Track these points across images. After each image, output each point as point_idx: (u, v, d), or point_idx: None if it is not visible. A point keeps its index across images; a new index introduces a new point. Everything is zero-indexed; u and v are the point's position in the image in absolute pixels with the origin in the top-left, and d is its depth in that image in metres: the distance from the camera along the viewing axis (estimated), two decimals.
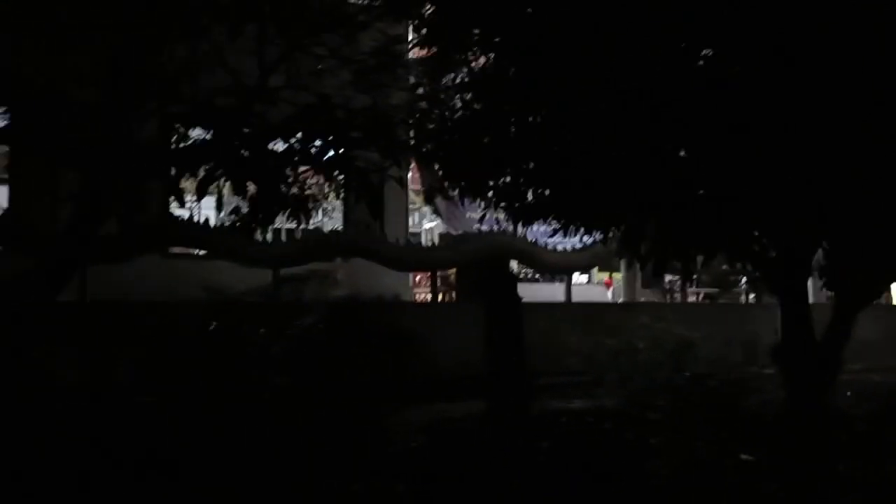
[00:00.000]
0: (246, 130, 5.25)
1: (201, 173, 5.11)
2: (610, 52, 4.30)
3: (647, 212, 4.36)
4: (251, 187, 5.54)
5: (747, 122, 4.01)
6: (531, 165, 5.46)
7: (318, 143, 5.41)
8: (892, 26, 3.81)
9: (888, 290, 6.71)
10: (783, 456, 6.22)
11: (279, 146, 5.70)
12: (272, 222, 6.30)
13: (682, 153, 4.43)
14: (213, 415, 5.99)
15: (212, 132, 5.42)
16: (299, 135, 5.37)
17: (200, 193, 5.01)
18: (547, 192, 5.39)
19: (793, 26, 3.81)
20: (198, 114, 5.41)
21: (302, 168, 6.14)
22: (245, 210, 6.60)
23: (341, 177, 6.33)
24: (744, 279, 11.30)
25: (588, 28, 4.43)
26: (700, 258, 4.85)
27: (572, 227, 5.47)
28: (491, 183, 6.29)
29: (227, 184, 5.17)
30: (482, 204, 6.85)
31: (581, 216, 5.23)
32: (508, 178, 5.98)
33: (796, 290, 5.92)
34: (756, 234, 5.03)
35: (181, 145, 5.40)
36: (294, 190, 6.96)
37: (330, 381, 6.82)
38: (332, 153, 5.24)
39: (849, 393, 9.05)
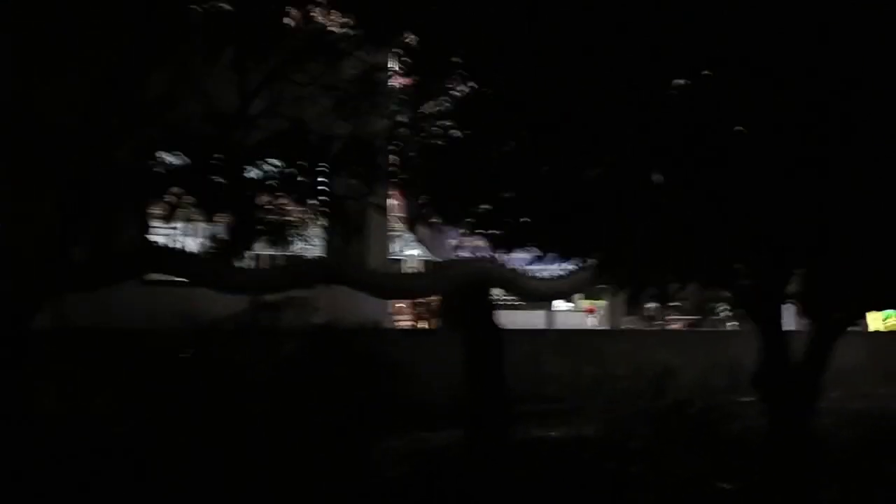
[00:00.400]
0: (216, 156, 5.23)
1: (170, 198, 5.09)
2: (588, 81, 4.35)
3: (622, 239, 4.37)
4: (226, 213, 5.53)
5: (723, 153, 4.05)
6: (509, 194, 5.47)
7: (292, 168, 5.40)
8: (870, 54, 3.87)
9: (864, 318, 6.76)
10: (764, 484, 6.20)
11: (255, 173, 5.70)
12: (249, 249, 6.26)
13: (657, 182, 4.46)
14: (189, 441, 5.87)
15: (184, 158, 5.41)
16: (273, 160, 5.37)
17: (168, 217, 4.99)
18: (524, 219, 5.40)
19: (769, 54, 3.88)
20: (172, 139, 5.39)
21: (280, 194, 6.13)
22: (223, 237, 6.58)
23: (316, 203, 6.32)
24: (724, 307, 11.34)
25: (567, 58, 4.48)
26: (675, 285, 4.87)
27: (550, 255, 5.48)
28: (471, 210, 6.30)
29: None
30: (462, 231, 6.87)
31: (558, 244, 5.24)
32: (488, 206, 6.00)
33: (772, 318, 5.95)
34: (730, 261, 5.06)
35: (152, 171, 5.38)
36: (273, 217, 6.95)
37: (309, 408, 6.73)
38: (305, 179, 5.23)
39: (828, 420, 9.07)
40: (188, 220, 7.17)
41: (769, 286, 5.49)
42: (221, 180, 5.21)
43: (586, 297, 17.24)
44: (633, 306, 12.64)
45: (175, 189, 5.45)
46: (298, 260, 9.80)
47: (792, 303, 6.08)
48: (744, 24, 3.71)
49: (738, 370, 8.04)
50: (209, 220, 5.24)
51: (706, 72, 3.84)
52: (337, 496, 5.95)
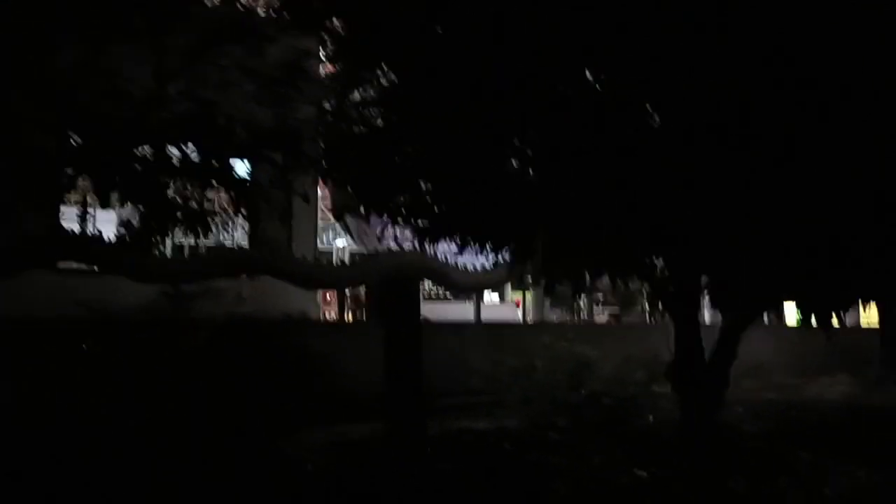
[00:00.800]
0: (124, 138, 4.99)
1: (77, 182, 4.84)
2: (503, 76, 4.35)
3: (534, 229, 4.39)
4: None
5: (633, 146, 4.10)
6: (428, 185, 5.44)
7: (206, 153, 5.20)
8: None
9: (775, 311, 6.97)
10: (677, 473, 6.36)
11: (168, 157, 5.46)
12: (165, 235, 6.02)
13: (569, 174, 4.50)
14: (92, 437, 5.62)
15: (91, 139, 5.15)
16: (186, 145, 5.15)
17: (57, 199, 4.73)
18: (442, 210, 5.38)
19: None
20: (79, 120, 5.12)
21: (196, 180, 5.92)
22: (136, 224, 6.33)
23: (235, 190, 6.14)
24: (645, 299, 11.61)
25: (485, 55, 4.48)
26: (587, 278, 4.93)
27: (469, 246, 5.48)
28: (393, 200, 6.25)
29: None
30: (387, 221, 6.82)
31: (474, 233, 5.24)
32: (407, 196, 5.96)
33: (687, 310, 6.10)
34: (642, 254, 5.15)
35: (58, 152, 5.10)
36: (191, 204, 6.73)
37: (224, 401, 6.56)
38: (221, 164, 5.04)
39: (741, 410, 9.41)
40: (101, 205, 6.86)
41: (682, 278, 5.62)
42: (132, 164, 4.98)
43: (516, 290, 17.46)
44: (554, 298, 12.83)
45: (82, 172, 5.18)
46: (220, 249, 9.54)
47: (705, 295, 6.23)
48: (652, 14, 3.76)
49: (656, 362, 8.21)
50: (100, 203, 4.99)
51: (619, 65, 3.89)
52: (250, 490, 5.82)
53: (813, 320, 5.29)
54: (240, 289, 9.64)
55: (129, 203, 5.54)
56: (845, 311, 5.74)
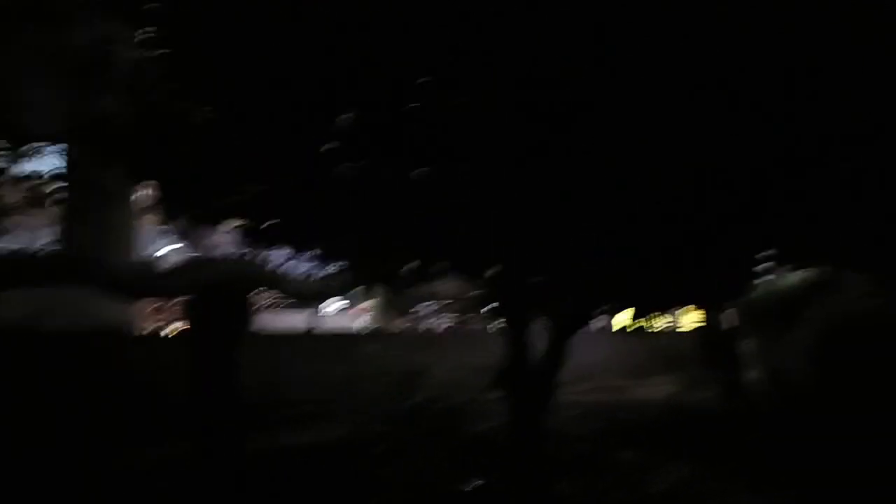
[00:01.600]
0: None
1: None
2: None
3: (341, 229, 4.13)
4: None
5: (440, 144, 3.92)
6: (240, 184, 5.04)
7: None
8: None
9: (601, 315, 7.12)
10: (505, 480, 6.30)
11: None
12: None
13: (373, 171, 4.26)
14: None
15: None
16: None
17: None
18: (253, 209, 4.99)
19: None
20: None
21: None
22: None
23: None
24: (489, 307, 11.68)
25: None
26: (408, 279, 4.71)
27: (290, 248, 5.13)
28: (208, 203, 5.76)
29: None
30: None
31: (283, 237, 4.90)
32: (222, 197, 5.50)
33: (515, 314, 6.04)
34: (459, 256, 5.00)
35: None
36: None
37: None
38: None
39: (573, 413, 9.60)
40: None
41: (507, 282, 5.53)
42: None
43: (365, 298, 17.15)
44: (395, 305, 12.64)
45: None
46: (9, 254, 8.54)
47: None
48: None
49: (492, 368, 8.19)
50: None
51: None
52: None
53: (635, 325, 5.38)
54: (39, 298, 8.68)
55: None
56: (664, 313, 5.89)
